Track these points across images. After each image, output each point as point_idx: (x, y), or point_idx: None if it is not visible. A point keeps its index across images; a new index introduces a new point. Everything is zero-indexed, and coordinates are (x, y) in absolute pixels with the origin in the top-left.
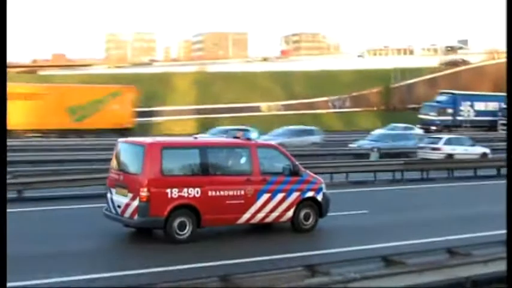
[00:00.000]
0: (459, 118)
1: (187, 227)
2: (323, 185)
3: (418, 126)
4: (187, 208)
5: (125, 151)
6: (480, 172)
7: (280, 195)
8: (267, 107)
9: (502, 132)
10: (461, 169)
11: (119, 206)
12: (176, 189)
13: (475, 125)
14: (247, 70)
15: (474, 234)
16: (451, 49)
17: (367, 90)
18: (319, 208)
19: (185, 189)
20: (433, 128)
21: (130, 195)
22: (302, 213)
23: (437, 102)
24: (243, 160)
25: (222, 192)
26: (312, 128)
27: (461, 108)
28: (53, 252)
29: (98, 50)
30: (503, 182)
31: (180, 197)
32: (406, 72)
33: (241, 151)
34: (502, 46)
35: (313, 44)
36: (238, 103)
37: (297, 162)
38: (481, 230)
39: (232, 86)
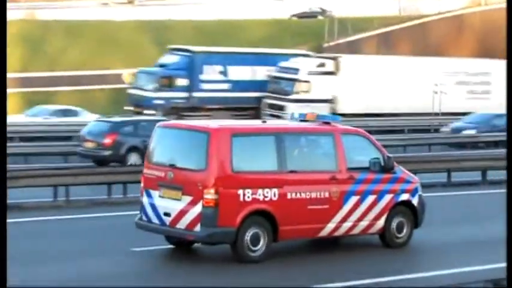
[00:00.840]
0: (198, 95)
1: (261, 241)
2: (419, 185)
3: (130, 108)
4: (262, 215)
5: (175, 139)
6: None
7: (370, 198)
8: (132, 76)
9: (270, 119)
10: (465, 170)
11: (166, 214)
12: (249, 190)
13: (230, 107)
14: (102, 18)
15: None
16: None
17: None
18: (414, 215)
19: (260, 191)
20: (150, 112)
21: (187, 198)
22: (395, 223)
23: (161, 66)
24: (325, 151)
25: (303, 195)
26: None
27: (204, 77)
28: None
29: None
30: None
31: (254, 200)
32: (347, 24)
33: (323, 139)
34: None
35: None
36: (88, 69)
37: (390, 155)
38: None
39: (78, 42)
